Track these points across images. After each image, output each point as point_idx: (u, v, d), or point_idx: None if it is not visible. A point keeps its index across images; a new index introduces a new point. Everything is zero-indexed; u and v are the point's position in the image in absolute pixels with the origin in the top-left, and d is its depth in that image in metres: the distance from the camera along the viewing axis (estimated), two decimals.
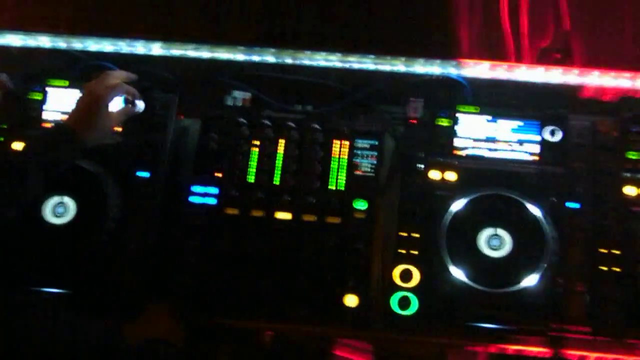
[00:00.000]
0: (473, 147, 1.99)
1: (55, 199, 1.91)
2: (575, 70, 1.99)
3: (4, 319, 1.11)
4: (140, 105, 2.01)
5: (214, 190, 1.96)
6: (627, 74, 1.98)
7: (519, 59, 2.01)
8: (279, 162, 1.99)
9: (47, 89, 2.11)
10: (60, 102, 2.09)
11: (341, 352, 2.34)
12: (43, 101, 2.10)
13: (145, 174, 1.98)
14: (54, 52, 2.17)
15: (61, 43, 2.13)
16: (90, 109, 1.84)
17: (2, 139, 2.05)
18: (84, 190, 1.92)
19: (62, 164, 1.78)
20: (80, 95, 1.90)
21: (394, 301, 1.83)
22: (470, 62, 2.01)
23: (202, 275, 1.90)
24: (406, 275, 1.86)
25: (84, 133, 1.81)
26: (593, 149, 1.98)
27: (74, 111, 1.86)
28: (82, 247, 1.88)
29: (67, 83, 2.10)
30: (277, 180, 1.97)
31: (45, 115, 2.09)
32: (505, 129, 1.99)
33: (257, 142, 2.02)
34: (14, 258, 1.88)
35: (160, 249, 1.93)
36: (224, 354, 2.03)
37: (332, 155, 1.99)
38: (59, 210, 1.90)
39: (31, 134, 1.97)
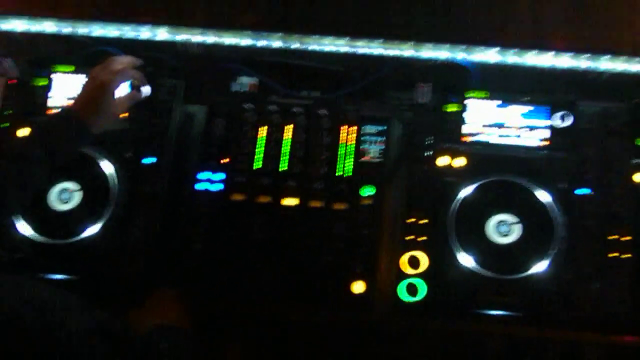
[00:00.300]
0: (482, 133, 1.97)
1: (60, 186, 1.90)
2: (586, 55, 1.97)
3: (11, 305, 1.10)
4: (147, 90, 2.00)
5: (220, 176, 1.95)
6: (638, 59, 1.96)
7: (527, 43, 1.98)
8: (285, 148, 1.98)
9: (53, 75, 2.09)
10: (65, 88, 2.08)
11: None
12: (48, 87, 2.09)
13: (151, 160, 1.97)
14: (58, 37, 2.15)
15: (66, 28, 2.11)
16: (96, 95, 1.82)
17: (7, 124, 2.04)
18: (89, 176, 1.92)
19: (68, 150, 1.77)
20: (86, 80, 1.88)
21: (401, 288, 1.82)
22: (479, 46, 1.99)
23: (208, 261, 1.89)
24: (414, 262, 1.84)
25: (90, 119, 1.79)
26: (603, 135, 1.96)
27: (80, 97, 1.84)
28: (88, 234, 1.87)
29: (72, 68, 2.09)
30: (283, 167, 1.96)
31: (50, 102, 2.08)
32: (515, 114, 1.97)
33: (264, 128, 2.00)
34: (20, 244, 1.87)
35: (166, 235, 1.92)
36: (233, 341, 2.03)
37: (340, 141, 1.98)
38: (64, 196, 1.89)
39: (37, 120, 1.96)
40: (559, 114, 1.94)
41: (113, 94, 1.84)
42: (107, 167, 1.92)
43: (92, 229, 1.87)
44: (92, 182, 1.92)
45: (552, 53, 1.97)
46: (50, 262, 1.86)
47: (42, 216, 1.89)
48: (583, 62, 1.99)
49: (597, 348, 1.91)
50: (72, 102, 1.86)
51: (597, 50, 1.96)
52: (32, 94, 2.08)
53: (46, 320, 1.11)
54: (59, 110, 2.02)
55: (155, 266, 1.90)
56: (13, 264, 1.83)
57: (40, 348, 1.06)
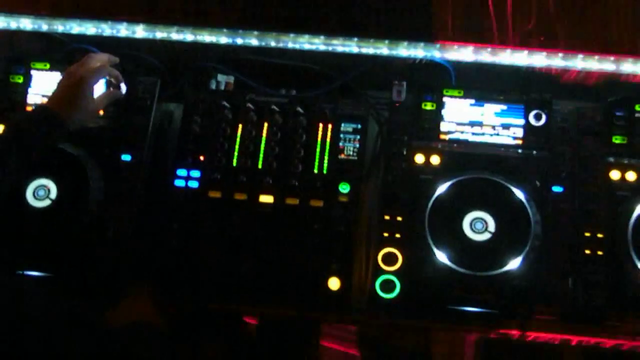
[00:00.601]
0: (457, 131, 1.98)
1: (36, 182, 1.90)
2: (560, 54, 1.98)
3: None
4: (123, 88, 2.00)
5: (196, 173, 1.95)
6: (612, 58, 1.97)
7: (503, 42, 1.99)
8: (262, 146, 1.98)
9: (31, 72, 2.09)
10: (43, 85, 2.07)
11: (327, 342, 2.35)
12: (27, 84, 2.08)
13: (127, 157, 1.97)
14: (36, 34, 2.15)
15: (43, 25, 2.11)
16: (72, 91, 1.82)
17: None
18: (66, 173, 1.91)
19: (44, 147, 1.76)
20: (62, 77, 1.88)
21: (377, 284, 1.83)
22: (454, 45, 2.00)
23: (185, 258, 1.89)
24: (390, 259, 1.85)
25: (67, 115, 1.79)
26: (578, 134, 1.97)
27: (56, 93, 1.84)
28: (64, 231, 1.87)
29: (48, 66, 2.08)
30: (260, 164, 1.96)
31: (29, 99, 2.07)
32: (490, 112, 1.98)
33: (241, 126, 2.00)
34: None
35: (142, 232, 1.92)
36: (208, 339, 2.03)
37: (316, 139, 1.98)
38: (40, 193, 1.89)
39: (13, 115, 1.96)
40: (533, 112, 1.96)
41: (89, 91, 1.84)
42: (84, 163, 1.91)
43: (67, 225, 1.86)
44: (68, 179, 1.91)
45: (526, 52, 1.99)
46: (20, 259, 1.86)
47: (17, 212, 1.88)
48: (557, 62, 2.01)
49: (572, 344, 1.92)
50: (48, 98, 1.86)
51: (571, 49, 1.98)
52: (8, 91, 2.08)
53: (19, 309, 1.11)
54: (35, 106, 2.02)
55: (131, 262, 1.89)
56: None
57: (13, 336, 1.06)
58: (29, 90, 2.08)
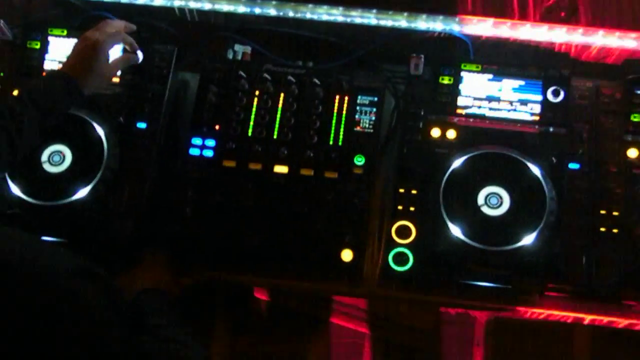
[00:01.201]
0: (474, 106, 1.97)
1: (52, 148, 1.90)
2: (580, 30, 1.97)
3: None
4: (140, 55, 2.00)
5: (211, 142, 1.95)
6: (633, 34, 1.96)
7: (523, 16, 1.98)
8: (278, 116, 1.98)
9: (48, 38, 2.09)
10: (60, 51, 2.07)
11: (337, 319, 2.35)
12: (44, 50, 2.08)
13: (143, 125, 1.97)
14: (53, 1, 2.15)
15: None
16: (87, 55, 1.82)
17: None
18: (81, 139, 1.91)
19: (59, 111, 1.77)
20: (77, 41, 1.87)
21: (390, 257, 1.83)
22: (474, 19, 1.99)
23: (198, 227, 1.89)
24: (404, 232, 1.85)
25: (81, 79, 1.79)
26: (596, 111, 1.96)
27: (71, 57, 1.84)
28: (79, 197, 1.87)
29: (65, 32, 2.08)
30: (275, 134, 1.96)
31: (46, 65, 2.08)
32: (507, 88, 1.97)
33: (257, 96, 2.00)
34: (11, 203, 1.87)
35: (157, 200, 1.93)
36: (220, 307, 2.04)
37: (332, 110, 1.98)
38: (56, 158, 1.89)
39: (28, 81, 1.96)
40: (552, 88, 1.94)
41: (105, 55, 1.84)
42: (100, 131, 1.91)
43: (82, 192, 1.86)
44: (84, 145, 1.91)
45: (546, 27, 1.98)
46: (39, 223, 1.86)
47: (32, 177, 1.88)
48: (577, 37, 1.99)
49: (584, 323, 1.91)
50: (63, 63, 1.87)
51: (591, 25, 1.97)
52: (25, 57, 2.08)
53: (31, 262, 1.11)
54: (51, 70, 2.03)
55: (144, 230, 1.90)
56: (2, 220, 1.83)
57: (26, 290, 1.07)
58: (46, 56, 2.08)
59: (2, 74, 2.06)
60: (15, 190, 1.87)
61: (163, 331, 1.41)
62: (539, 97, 1.96)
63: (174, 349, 1.37)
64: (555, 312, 1.87)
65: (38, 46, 2.08)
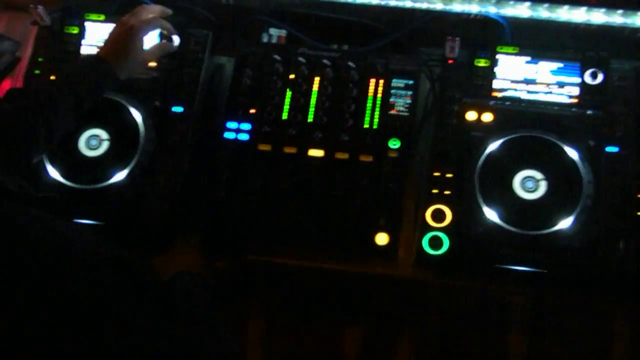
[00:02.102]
0: (510, 89, 1.95)
1: (89, 132, 1.92)
2: (619, 10, 1.94)
3: (35, 232, 1.12)
4: (176, 41, 2.01)
5: (247, 126, 1.96)
6: None
7: None
8: (313, 100, 1.98)
9: (85, 23, 2.11)
10: (97, 36, 2.09)
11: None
12: (81, 35, 2.10)
13: (179, 109, 1.98)
14: None
15: None
16: (123, 40, 1.83)
17: (38, 71, 2.06)
18: (118, 123, 1.93)
19: (94, 94, 1.78)
20: (114, 26, 1.89)
21: (425, 241, 1.82)
22: (510, 0, 1.97)
23: (233, 210, 1.90)
24: (439, 215, 1.84)
25: (116, 64, 1.81)
26: (636, 93, 1.93)
27: (107, 42, 1.86)
28: (115, 180, 1.89)
29: (103, 17, 2.10)
30: (310, 118, 1.96)
31: (83, 50, 2.09)
32: (545, 70, 1.95)
33: (292, 80, 2.00)
34: (49, 187, 1.90)
35: (192, 183, 1.94)
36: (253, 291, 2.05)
37: (367, 94, 1.97)
38: (93, 142, 1.91)
39: (64, 65, 1.99)
40: (590, 70, 1.92)
41: (141, 40, 1.85)
42: (136, 115, 1.93)
43: (119, 176, 1.88)
44: (121, 129, 1.93)
45: (585, 8, 1.95)
46: (76, 206, 1.88)
47: (70, 161, 1.91)
48: (617, 18, 1.96)
49: (621, 306, 1.89)
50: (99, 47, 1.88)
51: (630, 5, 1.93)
52: (63, 42, 2.10)
53: (55, 248, 1.12)
54: (87, 55, 2.04)
55: (180, 214, 1.91)
56: (40, 203, 1.86)
57: (45, 276, 1.07)
58: (83, 41, 2.09)
59: (40, 59, 2.08)
60: (53, 173, 1.89)
61: (193, 316, 1.41)
62: (577, 80, 1.93)
63: (201, 336, 1.38)
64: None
65: (76, 31, 2.10)
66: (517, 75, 1.96)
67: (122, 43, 1.83)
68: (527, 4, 1.97)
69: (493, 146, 1.85)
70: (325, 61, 2.00)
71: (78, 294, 1.09)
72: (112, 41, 1.85)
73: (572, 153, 1.82)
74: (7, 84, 2.09)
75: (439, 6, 2.03)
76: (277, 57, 2.02)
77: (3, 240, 1.05)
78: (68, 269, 1.10)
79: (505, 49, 1.98)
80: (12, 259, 1.04)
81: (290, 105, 1.98)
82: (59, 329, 1.06)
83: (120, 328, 1.14)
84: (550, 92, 1.94)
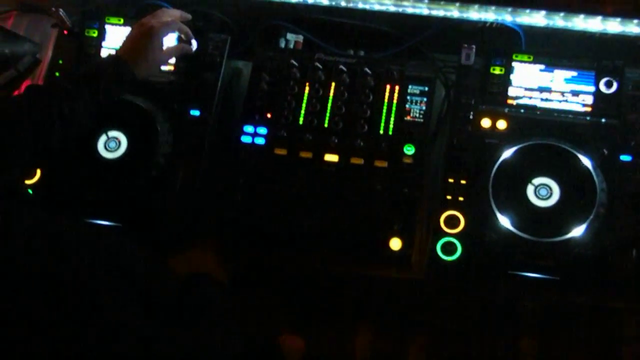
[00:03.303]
0: (525, 96, 1.97)
1: (108, 134, 1.94)
2: (635, 20, 1.95)
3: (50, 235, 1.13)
4: (194, 44, 2.03)
5: (263, 130, 1.98)
6: None
7: (577, 7, 1.97)
8: (329, 105, 2.00)
9: (105, 26, 2.14)
10: (117, 39, 2.11)
11: None
12: (101, 38, 2.13)
13: (196, 112, 2.00)
14: None
15: None
16: (141, 41, 1.85)
17: (58, 73, 2.09)
18: (137, 126, 1.95)
19: (111, 93, 1.80)
20: (133, 27, 1.91)
21: (438, 246, 1.84)
22: (526, 9, 1.98)
23: (249, 213, 1.92)
24: (452, 221, 1.85)
25: (134, 64, 1.82)
26: None
27: (125, 42, 1.87)
28: (133, 182, 1.91)
29: (122, 21, 2.13)
30: (326, 123, 1.98)
31: (103, 52, 2.13)
32: (559, 79, 1.96)
33: (308, 85, 2.02)
34: (66, 189, 1.92)
35: (209, 186, 1.96)
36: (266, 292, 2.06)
37: (383, 100, 1.99)
38: (111, 144, 1.93)
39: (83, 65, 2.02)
40: (604, 79, 1.93)
41: (158, 42, 1.86)
42: (155, 118, 1.95)
43: (137, 178, 1.91)
44: (139, 132, 1.95)
45: (600, 17, 1.96)
46: (93, 209, 1.91)
47: (88, 164, 1.93)
48: (633, 28, 1.97)
49: (632, 314, 1.90)
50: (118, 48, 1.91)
51: None
52: (83, 45, 2.13)
53: (65, 255, 1.13)
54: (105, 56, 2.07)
55: (196, 216, 1.93)
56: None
57: (53, 284, 1.08)
58: (103, 44, 2.13)
59: (60, 61, 2.11)
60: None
61: (206, 318, 1.43)
62: (592, 88, 1.94)
63: (213, 339, 1.39)
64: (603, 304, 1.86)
65: (95, 34, 2.13)
66: (532, 83, 1.97)
67: (141, 43, 1.85)
68: (543, 12, 1.98)
69: (507, 153, 1.87)
70: (341, 67, 2.01)
71: (75, 302, 1.10)
72: (131, 41, 1.87)
73: (586, 161, 1.83)
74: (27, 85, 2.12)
75: (455, 14, 2.04)
76: (294, 62, 2.04)
77: (8, 249, 1.07)
78: (67, 278, 1.11)
79: (520, 57, 1.99)
80: (17, 268, 1.06)
81: (307, 110, 2.00)
82: (57, 333, 1.07)
83: (119, 336, 1.15)
84: (565, 100, 1.95)
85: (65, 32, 2.13)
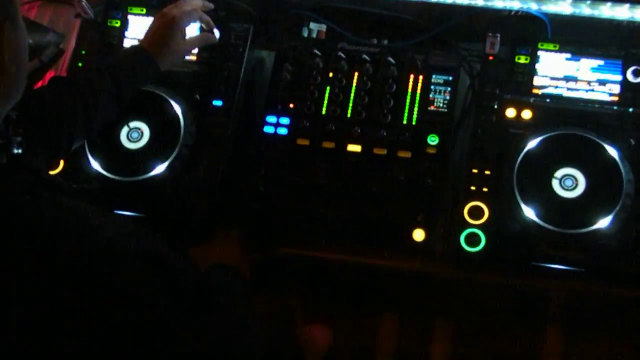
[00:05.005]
0: (551, 86, 1.95)
1: (131, 124, 1.95)
2: None
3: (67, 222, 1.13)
4: (216, 34, 2.02)
5: (286, 120, 1.97)
6: None
7: None
8: (352, 95, 1.99)
9: (128, 16, 2.14)
10: (139, 29, 2.12)
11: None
12: (123, 28, 2.14)
13: (219, 102, 2.00)
14: None
15: None
16: (163, 31, 1.85)
17: (81, 64, 2.10)
18: (159, 116, 1.95)
19: (136, 84, 1.81)
20: (155, 17, 1.91)
21: (462, 237, 1.82)
22: None
23: (272, 204, 1.92)
24: (476, 212, 1.84)
25: (157, 55, 1.83)
26: None
27: (148, 33, 1.88)
28: (156, 173, 1.91)
29: (144, 11, 2.13)
30: (349, 113, 1.97)
31: (125, 43, 2.13)
32: (586, 67, 1.94)
33: (331, 75, 2.01)
34: (91, 179, 1.93)
35: (231, 176, 1.96)
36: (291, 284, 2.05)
37: (406, 89, 1.97)
38: (134, 135, 1.94)
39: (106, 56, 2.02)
40: (632, 68, 1.90)
41: (181, 32, 1.87)
42: (177, 108, 1.95)
43: (159, 168, 1.90)
44: (161, 122, 1.95)
45: (628, 5, 1.94)
46: (117, 198, 1.91)
47: (112, 154, 1.94)
48: None
49: None
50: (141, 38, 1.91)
51: None
52: (106, 35, 2.13)
53: (89, 239, 1.13)
54: (129, 46, 2.07)
55: (219, 206, 1.93)
56: (82, 195, 1.89)
57: (77, 266, 1.09)
58: (126, 34, 2.13)
59: (83, 52, 2.12)
60: (95, 165, 1.92)
61: (229, 310, 1.42)
62: (619, 77, 1.92)
63: (236, 331, 1.39)
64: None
65: (118, 24, 2.14)
66: (557, 72, 1.95)
67: (164, 34, 1.85)
68: (569, 0, 1.96)
69: (532, 143, 1.85)
70: (364, 56, 2.00)
71: (106, 286, 1.10)
72: (154, 32, 1.88)
73: (612, 151, 1.81)
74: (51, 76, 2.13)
75: (480, 2, 2.03)
76: (316, 51, 2.03)
77: (35, 229, 1.07)
78: (98, 260, 1.11)
79: (546, 46, 1.97)
80: (43, 250, 1.06)
81: (329, 100, 1.99)
82: (86, 319, 1.07)
83: (148, 321, 1.15)
84: (591, 90, 1.93)
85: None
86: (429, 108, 1.95)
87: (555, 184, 1.81)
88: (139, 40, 2.05)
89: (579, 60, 1.95)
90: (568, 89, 1.94)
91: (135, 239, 1.20)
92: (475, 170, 1.88)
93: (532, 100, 1.94)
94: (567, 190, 1.80)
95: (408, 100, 1.96)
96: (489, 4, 2.03)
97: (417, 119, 1.94)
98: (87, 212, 1.17)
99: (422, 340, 2.29)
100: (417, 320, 2.29)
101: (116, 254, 1.13)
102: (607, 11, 1.97)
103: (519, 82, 1.96)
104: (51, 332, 1.05)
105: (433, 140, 1.91)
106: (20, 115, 1.29)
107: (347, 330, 2.24)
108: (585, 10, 1.98)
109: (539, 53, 1.97)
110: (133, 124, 1.95)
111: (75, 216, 1.15)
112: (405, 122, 1.94)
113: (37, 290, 1.04)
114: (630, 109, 1.89)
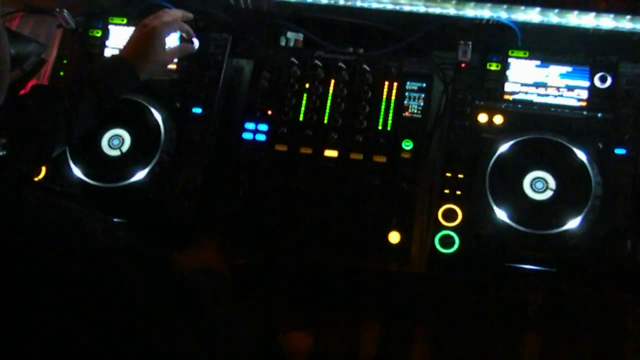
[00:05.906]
0: (521, 92, 2.00)
1: (111, 132, 1.98)
2: (628, 16, 1.98)
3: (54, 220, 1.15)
4: (196, 44, 2.06)
5: (264, 127, 2.01)
6: None
7: (570, 3, 2.00)
8: (328, 102, 2.03)
9: (109, 26, 2.17)
10: (120, 39, 2.15)
11: None
12: (104, 38, 2.17)
13: (199, 110, 2.03)
14: None
15: None
16: (144, 42, 1.88)
17: (62, 73, 2.13)
18: (140, 123, 1.99)
19: (115, 94, 1.85)
20: (136, 27, 1.94)
21: (436, 239, 1.87)
22: (521, 6, 2.02)
23: (251, 209, 1.95)
24: (450, 215, 1.88)
25: (137, 65, 1.86)
26: None
27: (128, 43, 1.91)
28: (136, 179, 1.94)
29: (125, 21, 2.16)
30: (326, 119, 2.01)
31: (106, 52, 2.16)
32: (555, 74, 2.00)
33: (308, 82, 2.05)
34: (72, 185, 1.96)
35: (211, 182, 2.00)
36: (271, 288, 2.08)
37: (381, 96, 2.02)
38: (115, 142, 1.97)
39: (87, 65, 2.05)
40: (599, 74, 1.96)
41: (161, 42, 1.90)
42: (157, 115, 1.98)
43: (140, 175, 1.93)
44: (142, 129, 1.98)
45: (594, 14, 1.99)
46: (98, 204, 1.92)
47: (93, 160, 1.96)
48: (625, 24, 2.00)
49: (633, 305, 1.93)
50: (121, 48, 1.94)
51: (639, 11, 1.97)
52: (87, 45, 2.17)
53: (76, 233, 1.14)
54: (109, 56, 2.11)
55: (199, 212, 1.96)
56: (65, 198, 1.91)
57: (64, 260, 1.10)
58: (107, 43, 2.16)
59: (65, 61, 2.14)
60: (76, 172, 1.95)
61: (210, 311, 1.44)
62: (586, 83, 1.98)
63: (218, 331, 1.41)
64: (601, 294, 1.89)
65: (99, 34, 2.17)
66: (528, 78, 2.01)
67: (144, 44, 1.89)
68: (538, 9, 2.02)
69: (504, 148, 1.90)
70: (340, 64, 2.04)
71: (92, 281, 1.12)
72: (134, 42, 1.91)
73: (581, 155, 1.86)
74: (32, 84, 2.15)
75: (452, 11, 2.07)
76: (294, 60, 2.07)
77: (18, 225, 1.09)
78: (83, 255, 1.13)
79: (516, 53, 2.02)
80: (29, 245, 1.08)
81: (307, 107, 2.03)
82: (65, 316, 1.09)
83: (133, 317, 1.17)
84: (560, 95, 1.98)
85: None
86: (403, 114, 2.00)
87: (526, 186, 1.86)
88: (119, 50, 2.09)
89: (548, 67, 2.00)
90: (538, 94, 1.99)
91: (116, 235, 1.21)
92: (448, 174, 1.93)
93: (503, 105, 1.99)
94: (538, 192, 1.85)
95: (383, 107, 2.00)
96: (461, 13, 2.07)
97: (392, 124, 1.99)
98: (70, 209, 1.19)
99: (403, 342, 2.32)
100: (398, 323, 2.33)
101: (97, 250, 1.15)
102: (574, 19, 2.02)
103: (491, 89, 2.01)
104: (28, 329, 1.06)
105: (408, 145, 1.96)
106: (2, 117, 1.31)
107: (327, 334, 2.27)
108: (553, 19, 2.03)
109: (510, 60, 2.02)
110: (114, 132, 1.98)
111: (57, 212, 1.16)
112: (380, 127, 1.99)
113: (17, 285, 1.06)
114: (598, 114, 1.95)
